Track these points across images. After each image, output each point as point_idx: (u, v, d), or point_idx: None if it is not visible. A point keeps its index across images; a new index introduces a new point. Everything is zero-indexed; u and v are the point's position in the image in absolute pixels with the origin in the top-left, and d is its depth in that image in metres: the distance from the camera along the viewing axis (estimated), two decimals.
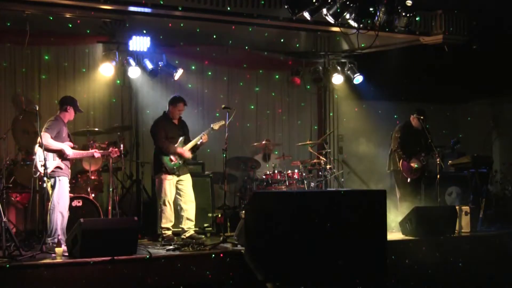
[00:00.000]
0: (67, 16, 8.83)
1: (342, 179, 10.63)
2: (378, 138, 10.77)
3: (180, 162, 8.15)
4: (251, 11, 8.64)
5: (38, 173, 7.04)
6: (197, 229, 8.39)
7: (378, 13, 7.66)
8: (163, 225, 8.13)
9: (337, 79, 10.95)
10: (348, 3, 7.51)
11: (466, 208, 8.88)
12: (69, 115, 7.52)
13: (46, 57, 9.39)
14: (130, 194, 9.41)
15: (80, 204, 7.96)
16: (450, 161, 10.18)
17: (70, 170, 7.47)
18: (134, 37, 9.04)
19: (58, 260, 6.48)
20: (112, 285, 6.33)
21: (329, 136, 11.29)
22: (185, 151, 8.17)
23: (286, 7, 7.68)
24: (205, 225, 8.94)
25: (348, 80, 10.92)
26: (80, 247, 6.48)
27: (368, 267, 6.87)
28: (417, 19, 9.26)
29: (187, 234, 8.13)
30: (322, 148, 10.14)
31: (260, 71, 11.07)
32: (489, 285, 7.16)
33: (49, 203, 7.17)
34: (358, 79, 10.74)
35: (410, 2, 7.95)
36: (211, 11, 8.45)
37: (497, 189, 11.10)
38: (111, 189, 8.25)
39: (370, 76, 10.77)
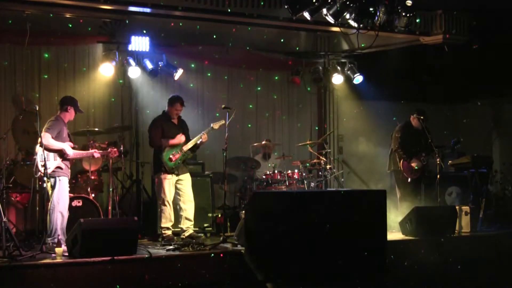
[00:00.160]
0: (67, 16, 8.83)
1: (342, 179, 10.63)
2: (378, 138, 10.77)
3: (179, 161, 8.15)
4: (251, 11, 8.64)
5: (39, 173, 7.04)
6: (196, 229, 8.39)
7: (378, 13, 7.66)
8: (163, 225, 8.13)
9: (337, 79, 10.95)
10: (348, 3, 7.51)
11: (466, 208, 8.89)
12: (70, 115, 7.52)
13: (46, 57, 9.39)
14: (130, 194, 9.40)
15: (80, 204, 7.96)
16: (450, 161, 10.18)
17: (70, 170, 7.47)
18: (134, 37, 9.04)
19: (58, 260, 6.48)
20: (112, 285, 6.32)
21: (329, 136, 11.29)
22: (178, 138, 8.14)
23: (286, 7, 7.68)
24: (205, 225, 8.94)
25: (348, 80, 10.92)
26: (80, 247, 6.48)
27: (368, 267, 6.88)
28: (417, 21, 9.24)
29: (186, 234, 8.13)
30: (322, 148, 10.15)
31: (260, 71, 11.07)
32: (489, 285, 7.15)
33: (49, 203, 7.17)
34: (358, 79, 10.74)
35: (410, 2, 7.95)
36: (211, 11, 8.45)
37: (497, 189, 11.11)
38: (111, 189, 8.25)
39: (370, 76, 10.77)
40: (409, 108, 9.74)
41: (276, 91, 11.27)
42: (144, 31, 9.15)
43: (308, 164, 9.73)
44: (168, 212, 8.10)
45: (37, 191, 7.77)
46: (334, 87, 11.44)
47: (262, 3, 8.62)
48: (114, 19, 9.24)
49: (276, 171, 9.41)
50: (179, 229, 8.22)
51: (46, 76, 9.38)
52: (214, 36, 9.92)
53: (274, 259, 6.57)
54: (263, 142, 10.13)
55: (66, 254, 6.72)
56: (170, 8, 8.45)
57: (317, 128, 11.52)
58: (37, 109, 7.21)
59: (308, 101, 11.55)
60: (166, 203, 8.09)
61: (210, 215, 9.10)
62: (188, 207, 8.19)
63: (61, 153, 7.27)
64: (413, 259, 7.67)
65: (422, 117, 9.17)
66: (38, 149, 7.04)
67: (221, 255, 7.02)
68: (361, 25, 7.78)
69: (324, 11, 7.64)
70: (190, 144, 8.27)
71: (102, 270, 6.35)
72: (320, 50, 11.11)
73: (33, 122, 7.34)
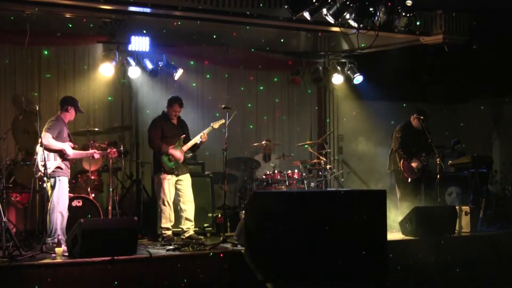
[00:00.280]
0: (67, 16, 8.83)
1: (342, 179, 10.64)
2: (378, 138, 10.77)
3: (179, 161, 8.15)
4: (251, 11, 8.64)
5: (39, 173, 7.04)
6: (196, 229, 8.38)
7: (378, 13, 7.65)
8: (163, 225, 8.13)
9: (337, 79, 10.95)
10: (348, 3, 7.50)
11: (466, 208, 8.89)
12: (70, 115, 7.52)
13: (46, 57, 9.39)
14: (130, 194, 9.40)
15: (80, 204, 7.96)
16: (450, 161, 10.18)
17: (70, 170, 7.48)
18: (134, 37, 9.04)
19: (58, 260, 6.47)
20: (112, 285, 6.32)
21: (329, 136, 11.29)
22: (177, 152, 8.13)
23: (286, 7, 7.68)
24: (205, 225, 8.94)
25: (348, 80, 10.92)
26: (80, 247, 6.48)
27: (368, 267, 6.87)
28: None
29: (186, 235, 8.13)
30: (322, 148, 10.14)
31: (260, 71, 11.07)
32: (489, 285, 7.16)
33: (49, 203, 7.17)
34: (358, 79, 10.73)
35: (410, 2, 7.95)
36: (211, 11, 8.45)
37: (497, 189, 11.10)
38: (111, 189, 8.25)
39: (370, 76, 10.76)
40: (409, 108, 9.74)
41: (276, 91, 11.27)
42: (144, 31, 9.14)
43: (308, 165, 9.74)
44: (168, 212, 8.10)
45: (37, 191, 7.77)
46: (334, 87, 11.43)
47: (262, 4, 8.61)
48: (114, 19, 9.24)
49: (276, 171, 9.41)
50: (179, 229, 8.22)
51: (46, 76, 9.38)
52: (214, 36, 9.92)
53: (274, 259, 6.57)
54: (263, 142, 10.14)
55: (66, 254, 6.71)
56: (170, 8, 8.44)
57: (315, 127, 11.52)
58: (37, 109, 7.21)
59: (308, 101, 11.55)
60: (166, 203, 8.08)
61: (210, 215, 9.09)
62: (189, 208, 8.19)
63: (61, 153, 7.27)
64: (413, 259, 7.67)
65: (422, 117, 9.17)
66: (39, 149, 7.04)
67: (221, 255, 7.01)
68: (361, 25, 7.77)
69: (324, 11, 7.64)
70: (190, 144, 8.27)
71: (102, 270, 6.35)
72: (320, 50, 11.11)
73: (33, 122, 7.34)
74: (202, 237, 8.33)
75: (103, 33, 9.46)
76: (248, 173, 9.67)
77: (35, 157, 7.16)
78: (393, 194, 9.20)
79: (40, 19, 8.65)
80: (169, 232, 8.12)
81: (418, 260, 7.66)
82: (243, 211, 7.88)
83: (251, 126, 10.93)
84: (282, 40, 10.48)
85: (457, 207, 8.80)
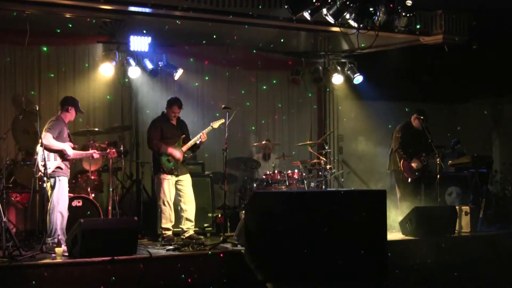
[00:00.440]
0: (67, 16, 8.83)
1: (342, 179, 10.64)
2: (378, 138, 10.78)
3: (178, 162, 8.14)
4: (251, 11, 8.64)
5: (39, 173, 7.04)
6: (196, 229, 8.38)
7: (378, 13, 7.65)
8: (163, 225, 8.12)
9: (337, 79, 10.95)
10: (348, 3, 7.50)
11: (466, 208, 8.89)
12: (70, 115, 7.53)
13: (46, 57, 9.39)
14: (130, 194, 9.41)
15: (80, 204, 7.96)
16: (450, 161, 10.17)
17: (70, 170, 7.48)
18: (134, 37, 9.04)
19: (58, 260, 6.48)
20: (112, 285, 6.32)
21: (329, 136, 11.29)
22: (176, 152, 8.12)
23: (286, 7, 7.68)
24: (205, 225, 8.93)
25: (348, 80, 10.92)
26: (80, 247, 6.48)
27: (368, 267, 6.87)
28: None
29: (187, 235, 8.13)
30: (322, 148, 10.14)
31: (260, 71, 11.06)
32: (489, 285, 7.15)
33: (49, 203, 7.17)
34: (358, 79, 10.73)
35: (410, 2, 7.94)
36: (211, 11, 8.45)
37: (497, 189, 11.11)
38: (111, 189, 8.25)
39: (370, 76, 10.77)
40: (409, 108, 9.74)
41: (276, 91, 11.27)
42: (144, 31, 9.14)
43: (308, 165, 9.74)
44: (168, 213, 8.10)
45: (37, 191, 7.77)
46: (334, 87, 11.43)
47: (262, 4, 8.61)
48: (114, 19, 9.24)
49: (276, 171, 9.41)
50: (180, 229, 8.22)
51: (47, 76, 9.38)
52: (214, 36, 9.92)
53: (274, 259, 6.57)
54: (263, 142, 10.14)
55: (66, 254, 6.71)
56: (170, 8, 8.44)
57: (315, 127, 11.52)
58: (37, 109, 7.21)
59: (308, 101, 11.55)
60: (166, 203, 8.08)
61: (210, 215, 9.09)
62: (189, 208, 8.18)
63: (61, 153, 7.27)
64: (413, 259, 7.67)
65: (422, 117, 9.17)
66: (39, 149, 7.04)
67: (221, 255, 7.01)
68: (361, 25, 7.77)
69: (324, 11, 7.63)
70: (189, 144, 8.27)
71: (102, 270, 6.35)
72: (320, 50, 11.11)
73: (33, 122, 7.34)
74: (202, 237, 8.33)
75: (103, 33, 9.46)
76: (248, 173, 9.67)
77: (35, 157, 7.17)
78: (393, 194, 9.20)
79: (40, 19, 8.65)
80: (169, 232, 8.11)
81: (418, 260, 7.66)
82: (243, 211, 7.88)
83: (253, 128, 10.93)
84: (282, 40, 10.48)
85: (457, 207, 8.81)
